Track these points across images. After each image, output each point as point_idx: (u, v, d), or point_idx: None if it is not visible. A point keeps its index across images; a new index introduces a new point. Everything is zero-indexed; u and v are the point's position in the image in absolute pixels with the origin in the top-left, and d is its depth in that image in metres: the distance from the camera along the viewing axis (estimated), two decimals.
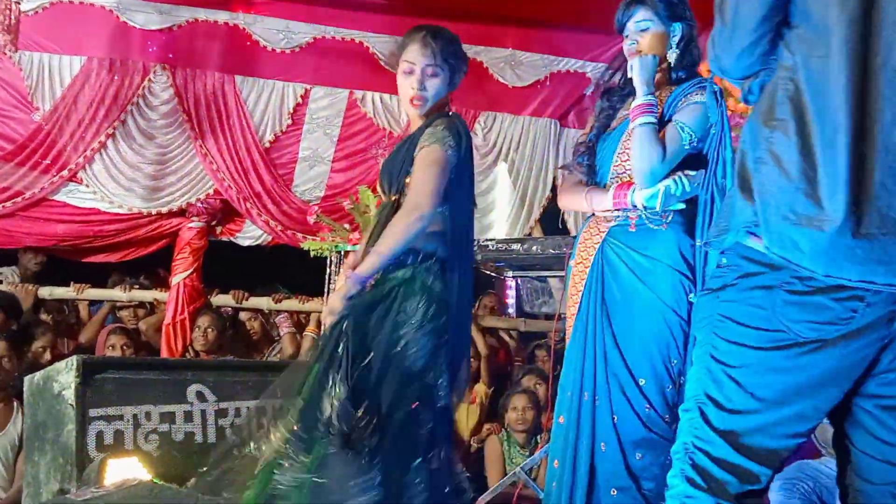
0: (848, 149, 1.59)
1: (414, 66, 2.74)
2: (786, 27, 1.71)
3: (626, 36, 2.98)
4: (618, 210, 2.91)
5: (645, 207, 2.85)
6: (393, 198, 2.74)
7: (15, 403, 4.36)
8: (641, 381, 2.78)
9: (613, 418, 2.78)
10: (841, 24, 1.60)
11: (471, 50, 6.00)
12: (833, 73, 1.60)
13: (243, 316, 6.07)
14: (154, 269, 6.42)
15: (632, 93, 2.94)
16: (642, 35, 2.92)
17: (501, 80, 6.33)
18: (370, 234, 2.79)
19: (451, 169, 2.68)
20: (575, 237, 3.37)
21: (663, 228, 2.85)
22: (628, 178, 2.91)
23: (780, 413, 1.72)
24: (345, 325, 2.55)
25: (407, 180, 2.70)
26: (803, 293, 1.66)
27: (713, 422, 1.74)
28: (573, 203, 3.11)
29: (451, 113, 2.82)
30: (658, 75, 2.93)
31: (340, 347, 2.52)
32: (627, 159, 2.91)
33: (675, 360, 2.80)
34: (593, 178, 3.05)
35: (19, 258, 6.12)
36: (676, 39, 2.93)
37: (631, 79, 2.92)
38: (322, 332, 2.67)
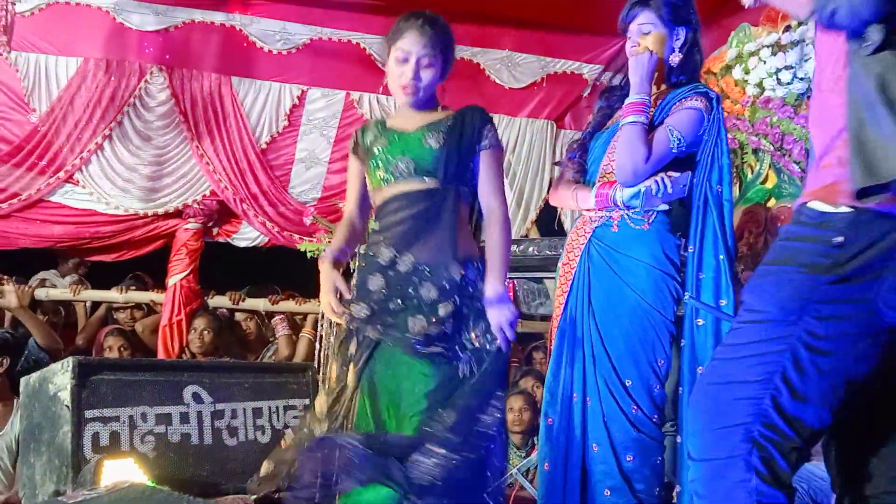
0: None
1: (409, 55, 2.67)
2: None
3: (629, 37, 2.97)
4: (601, 209, 2.91)
5: (627, 207, 2.85)
6: (455, 183, 2.66)
7: (14, 402, 4.34)
8: (628, 382, 2.77)
9: (604, 419, 2.77)
10: None
11: (467, 51, 6.05)
12: None
13: (239, 317, 6.07)
14: (151, 270, 6.42)
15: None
16: (644, 37, 2.92)
17: (498, 81, 6.33)
18: (401, 223, 2.66)
19: None
20: None
21: (645, 228, 2.84)
22: (614, 177, 2.91)
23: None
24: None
25: (471, 169, 2.68)
26: None
27: (786, 409, 1.71)
28: (562, 200, 3.11)
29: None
30: (656, 76, 2.93)
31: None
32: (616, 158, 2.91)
33: (662, 361, 2.79)
34: (584, 177, 3.05)
35: (59, 264, 6.20)
36: (679, 43, 2.92)
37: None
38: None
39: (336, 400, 2.62)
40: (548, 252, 4.09)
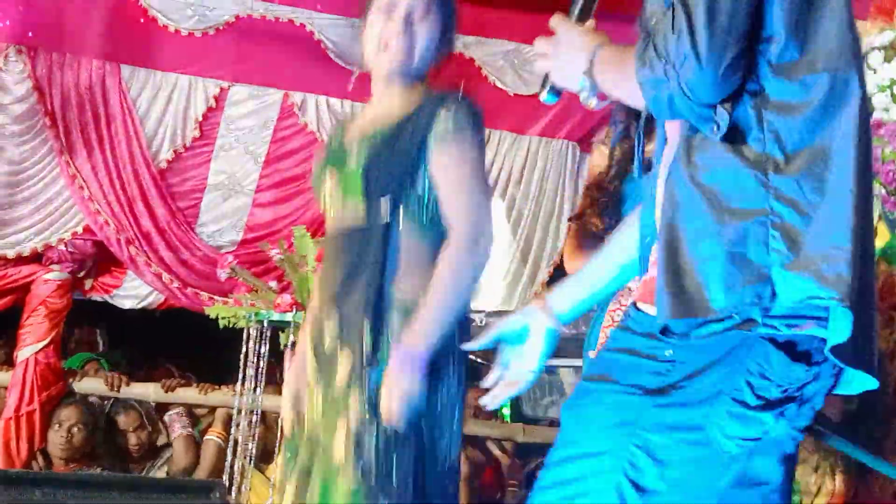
0: None
1: (395, 4, 2.73)
2: None
3: None
4: None
5: None
6: (385, 214, 2.71)
7: None
8: None
9: None
10: None
11: (458, 42, 6.06)
12: None
13: (125, 422, 5.92)
14: None
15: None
16: None
17: (500, 84, 6.36)
18: (323, 284, 2.80)
19: None
20: (597, 313, 3.34)
21: None
22: None
23: None
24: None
25: (422, 190, 2.72)
26: None
27: None
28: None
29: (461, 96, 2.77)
30: None
31: None
32: None
33: None
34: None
35: None
36: None
37: None
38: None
39: None
40: (565, 330, 4.05)
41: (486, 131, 6.18)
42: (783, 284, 1.84)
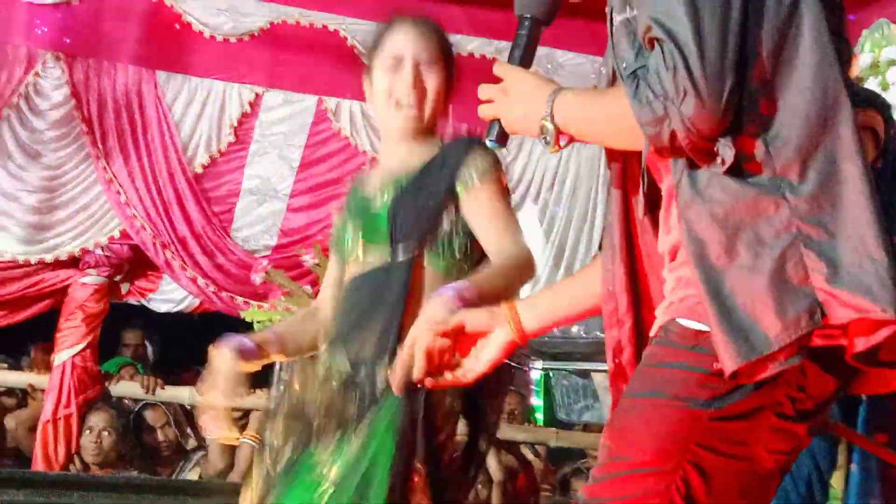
0: None
1: (402, 57, 2.72)
2: None
3: None
4: None
5: None
6: (409, 254, 2.68)
7: None
8: None
9: None
10: None
11: (490, 46, 6.04)
12: None
13: (152, 417, 5.96)
14: (30, 341, 6.39)
15: None
16: None
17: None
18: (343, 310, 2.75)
19: None
20: None
21: None
22: None
23: None
24: None
25: (445, 235, 2.70)
26: None
27: None
28: None
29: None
30: None
31: None
32: None
33: (819, 497, 3.05)
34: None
35: None
36: None
37: None
38: None
39: None
40: (598, 333, 4.03)
41: (518, 138, 6.24)
42: (832, 302, 1.83)
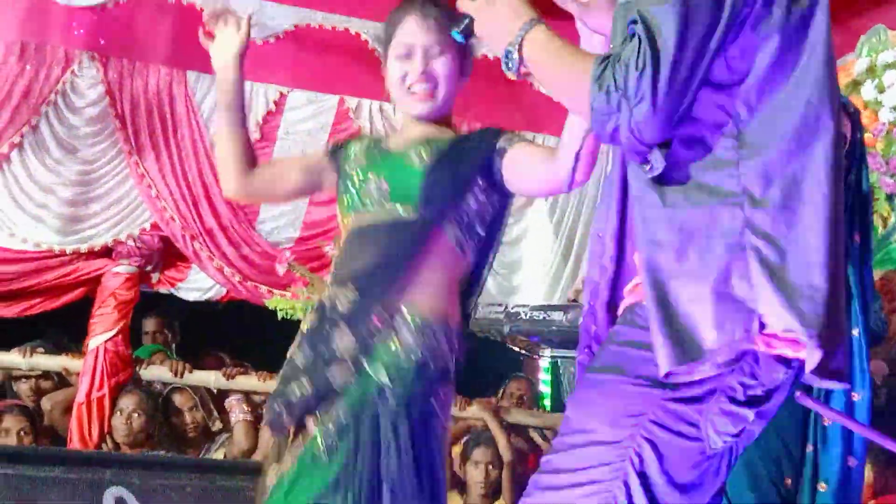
0: None
1: (412, 47, 2.71)
2: None
3: None
4: None
5: None
6: (435, 215, 2.67)
7: None
8: None
9: None
10: None
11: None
12: None
13: (180, 400, 5.95)
14: (65, 327, 6.42)
15: None
16: None
17: (543, 90, 6.35)
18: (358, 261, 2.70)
19: None
20: None
21: None
22: None
23: None
24: None
25: (464, 205, 2.68)
26: None
27: None
28: None
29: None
30: None
31: None
32: None
33: (789, 478, 2.92)
34: None
35: None
36: None
37: None
38: None
39: None
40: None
41: (530, 135, 6.31)
42: (770, 317, 1.86)
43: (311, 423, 2.58)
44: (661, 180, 1.95)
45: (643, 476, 1.94)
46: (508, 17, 2.02)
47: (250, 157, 2.89)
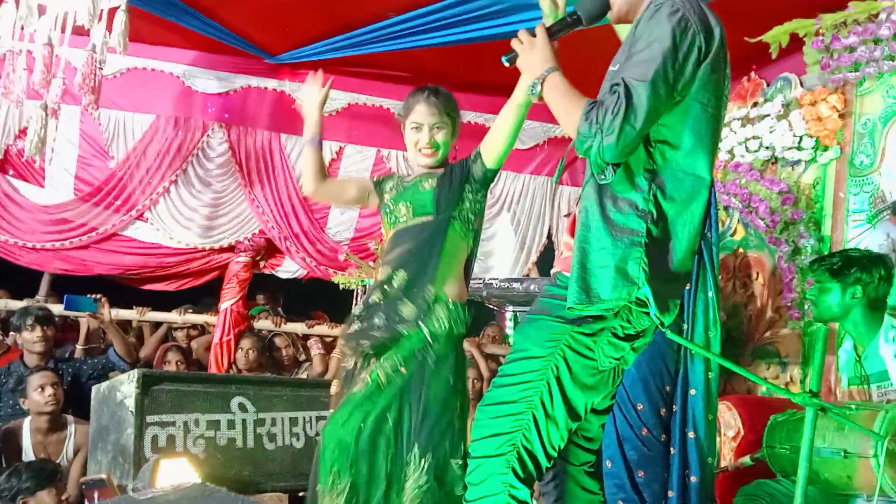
0: None
1: (421, 125, 2.66)
2: None
3: None
4: None
5: None
6: (447, 216, 2.60)
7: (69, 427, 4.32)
8: (639, 406, 2.76)
9: (618, 438, 2.75)
10: None
11: (480, 117, 6.02)
12: None
13: (279, 342, 5.96)
14: (206, 296, 6.40)
15: None
16: None
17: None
18: (397, 250, 2.64)
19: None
20: None
21: None
22: None
23: None
24: None
25: (462, 206, 2.60)
26: None
27: (539, 425, 2.02)
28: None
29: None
30: None
31: None
32: None
33: (669, 387, 2.78)
34: None
35: None
36: None
37: None
38: None
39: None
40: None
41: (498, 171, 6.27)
42: (644, 290, 1.89)
43: (373, 362, 2.53)
44: (603, 189, 1.96)
45: (558, 380, 1.98)
46: (539, 61, 2.00)
47: (324, 171, 2.89)
